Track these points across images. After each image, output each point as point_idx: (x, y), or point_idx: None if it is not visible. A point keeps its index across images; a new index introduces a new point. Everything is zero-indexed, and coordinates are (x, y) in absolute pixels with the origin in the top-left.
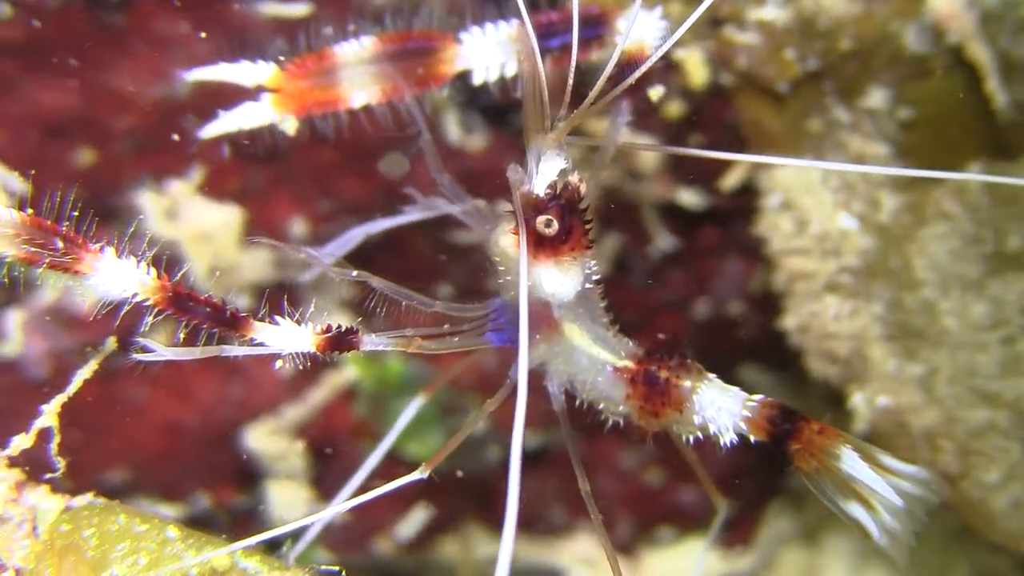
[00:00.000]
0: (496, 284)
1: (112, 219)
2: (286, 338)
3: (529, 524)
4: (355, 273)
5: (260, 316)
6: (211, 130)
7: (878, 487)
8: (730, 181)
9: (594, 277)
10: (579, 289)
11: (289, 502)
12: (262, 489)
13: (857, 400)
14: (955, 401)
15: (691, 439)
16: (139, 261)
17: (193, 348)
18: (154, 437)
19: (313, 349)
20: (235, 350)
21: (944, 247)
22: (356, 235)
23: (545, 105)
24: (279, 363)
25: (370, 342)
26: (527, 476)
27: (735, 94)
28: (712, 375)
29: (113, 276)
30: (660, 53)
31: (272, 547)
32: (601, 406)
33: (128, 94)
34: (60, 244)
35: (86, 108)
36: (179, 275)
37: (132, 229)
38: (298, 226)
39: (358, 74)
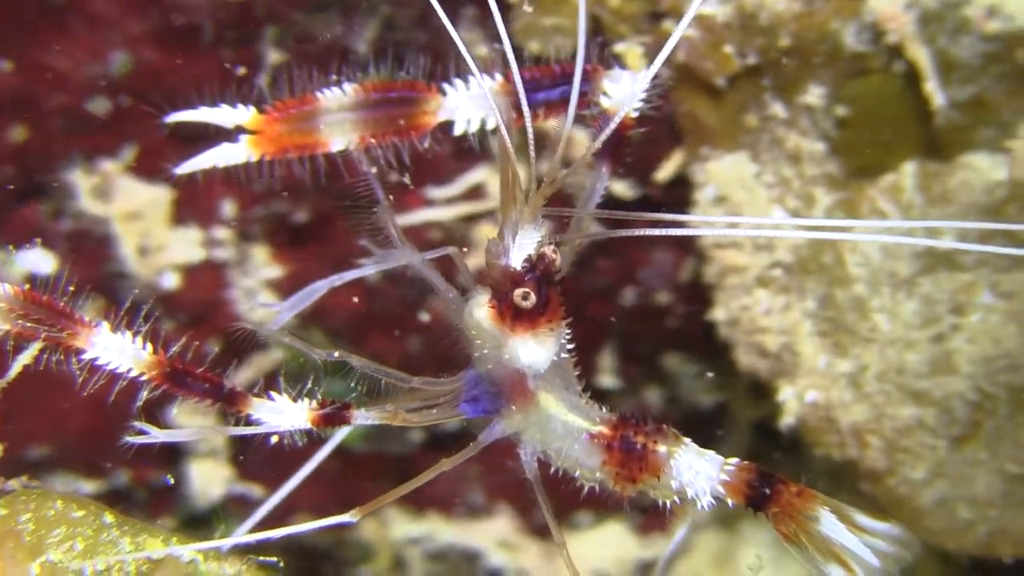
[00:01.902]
0: (469, 355)
1: (42, 196)
2: (283, 415)
3: (448, 506)
4: (336, 354)
5: (256, 391)
6: (187, 167)
7: (856, 548)
8: (664, 173)
9: (568, 346)
10: (554, 359)
11: (209, 480)
12: (182, 466)
13: (786, 394)
14: (884, 398)
15: (668, 504)
16: (135, 335)
17: (187, 429)
18: (77, 413)
19: (309, 425)
20: (229, 431)
21: (876, 245)
22: (320, 287)
23: (519, 178)
24: (274, 439)
25: (360, 416)
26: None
27: (673, 87)
28: (688, 440)
29: (110, 352)
30: (624, 112)
31: (198, 525)
32: (577, 473)
33: (63, 72)
34: (57, 319)
35: (21, 85)
36: (177, 348)
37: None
38: (228, 207)
39: (339, 120)
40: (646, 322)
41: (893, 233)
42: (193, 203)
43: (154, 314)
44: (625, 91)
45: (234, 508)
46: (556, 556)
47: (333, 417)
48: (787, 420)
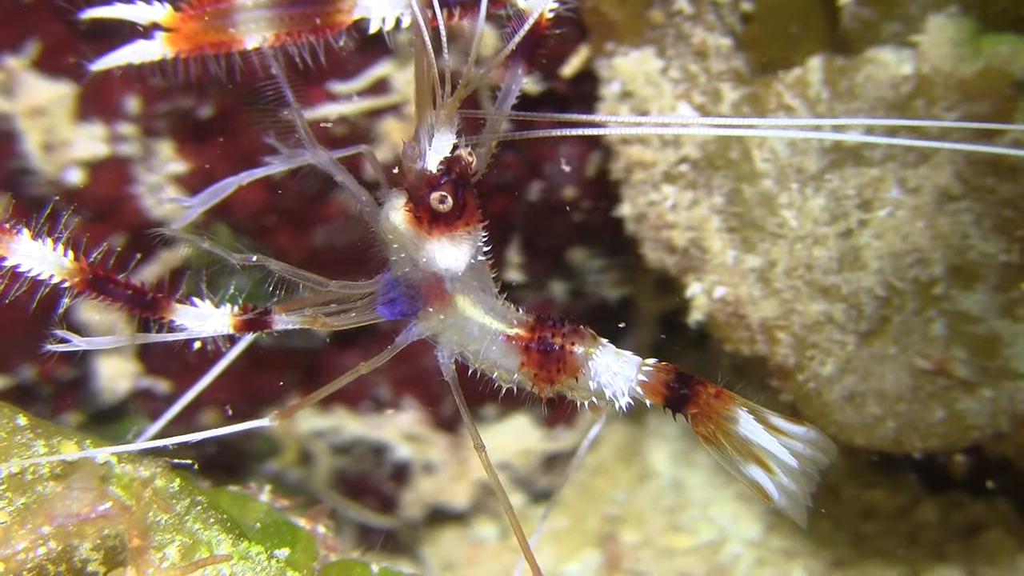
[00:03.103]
0: (384, 257)
1: None
2: (205, 321)
3: (355, 401)
4: (255, 258)
5: (178, 297)
6: (102, 64)
7: (774, 449)
8: (570, 68)
9: (484, 249)
10: (471, 261)
11: (115, 375)
12: (89, 361)
13: (694, 290)
14: (793, 294)
15: (585, 404)
16: (56, 242)
17: (108, 337)
18: None
19: (231, 331)
20: (151, 337)
21: (784, 140)
22: (229, 184)
23: (435, 80)
24: (197, 345)
25: (280, 321)
26: (352, 353)
27: None
28: (605, 340)
29: (31, 259)
30: (538, 12)
31: (105, 420)
32: (495, 375)
33: None
34: None
35: None
36: (98, 254)
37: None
38: (131, 103)
39: (254, 18)
40: (551, 217)
41: (800, 128)
42: (97, 98)
43: (73, 219)
44: None
45: (141, 403)
46: (462, 449)
47: (255, 323)
48: (695, 316)
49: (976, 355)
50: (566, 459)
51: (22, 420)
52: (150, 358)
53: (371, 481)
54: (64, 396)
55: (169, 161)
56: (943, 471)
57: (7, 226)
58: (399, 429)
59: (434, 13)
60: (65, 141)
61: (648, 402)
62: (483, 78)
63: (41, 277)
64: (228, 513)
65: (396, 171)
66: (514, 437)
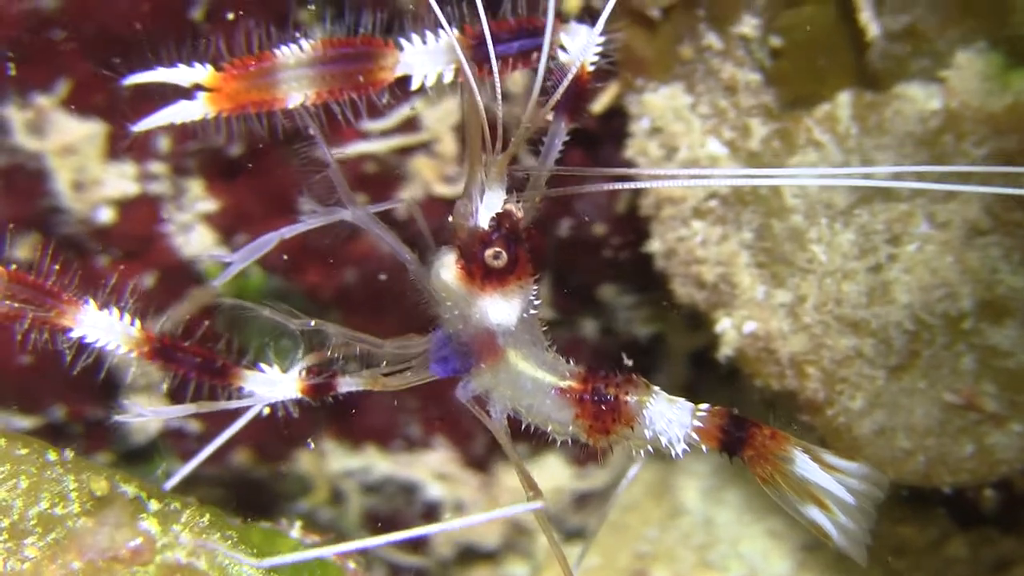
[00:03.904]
0: (437, 317)
1: None
2: (274, 387)
3: (386, 440)
4: (313, 323)
5: (245, 363)
6: (144, 125)
7: (831, 487)
8: (599, 105)
9: (535, 302)
10: (523, 316)
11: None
12: (120, 400)
13: (724, 325)
14: (822, 328)
15: (643, 452)
16: (123, 312)
17: (180, 406)
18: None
19: (299, 395)
20: (219, 405)
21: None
22: (270, 239)
23: (486, 137)
24: (266, 411)
25: (345, 383)
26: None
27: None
28: (657, 388)
29: (98, 329)
30: (578, 66)
31: (135, 460)
32: (549, 428)
33: None
34: (43, 299)
35: None
36: (161, 322)
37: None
38: (162, 141)
39: (297, 76)
40: (581, 253)
41: (830, 167)
42: (123, 131)
43: (140, 287)
44: (581, 44)
45: (172, 442)
46: (493, 487)
47: (321, 387)
48: (725, 351)
49: (1005, 389)
50: (597, 497)
51: (52, 456)
52: (181, 398)
53: (402, 520)
54: (95, 435)
55: (199, 199)
56: (972, 506)
57: (73, 296)
58: (430, 468)
59: (489, 68)
60: (96, 180)
61: (705, 448)
62: (531, 133)
63: (108, 348)
64: (259, 548)
65: (449, 227)
66: (545, 475)
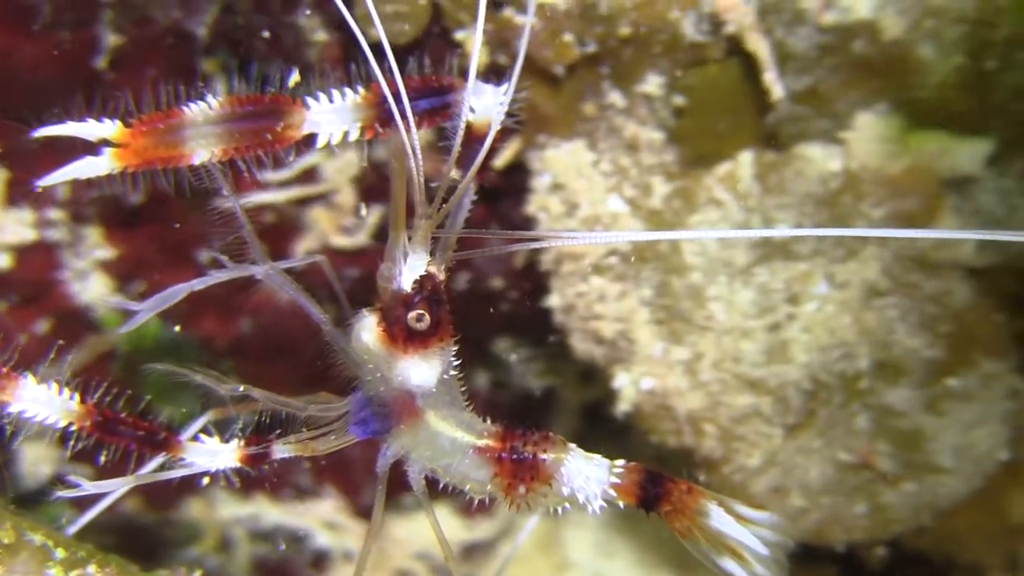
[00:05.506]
0: (354, 379)
1: None
2: (215, 457)
3: (275, 488)
4: (241, 388)
5: (186, 436)
6: (49, 180)
7: (745, 539)
8: (501, 160)
9: (454, 363)
10: (443, 377)
11: (37, 459)
12: (13, 447)
13: (622, 381)
14: (720, 386)
15: (559, 510)
16: (61, 387)
17: (120, 479)
18: None
19: (238, 464)
20: (160, 476)
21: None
22: (179, 291)
23: (414, 202)
24: (206, 481)
25: (279, 451)
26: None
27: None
28: (573, 445)
29: (37, 404)
30: (495, 130)
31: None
32: (467, 487)
33: None
34: None
35: None
36: (100, 392)
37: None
38: (61, 188)
39: (204, 134)
40: (477, 307)
41: (731, 226)
42: (27, 184)
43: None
44: (488, 104)
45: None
46: (381, 537)
47: (259, 456)
48: (623, 407)
49: (900, 449)
50: (485, 548)
51: None
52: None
53: (291, 568)
54: None
55: (96, 247)
56: (862, 563)
57: (11, 371)
58: (319, 517)
59: (394, 126)
60: None
61: (622, 504)
62: (459, 198)
63: (48, 422)
64: None
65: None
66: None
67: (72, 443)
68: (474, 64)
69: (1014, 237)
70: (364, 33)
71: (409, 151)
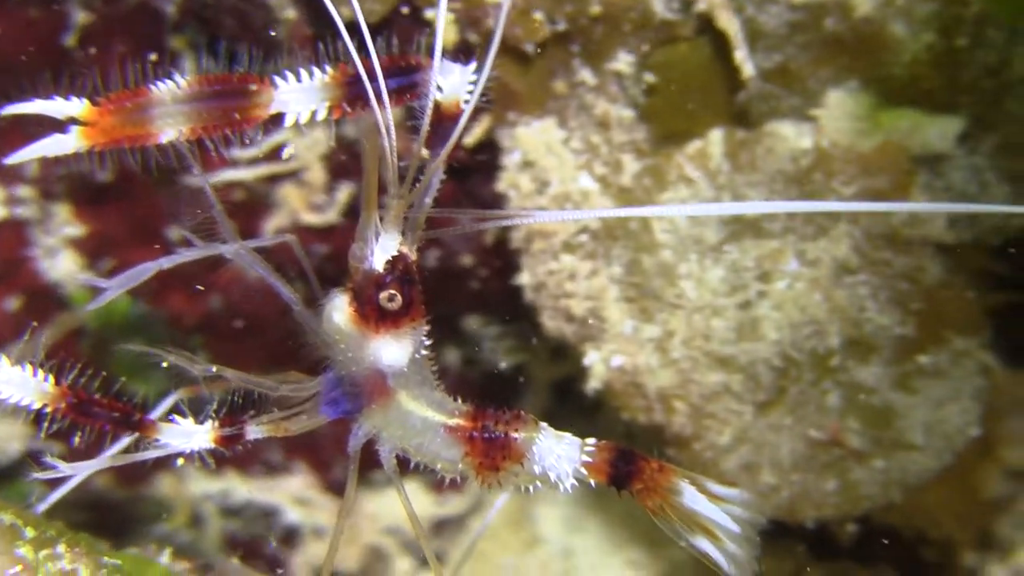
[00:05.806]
0: (325, 358)
1: None
2: (190, 438)
3: (245, 464)
4: (214, 369)
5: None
6: (16, 158)
7: (717, 517)
8: (472, 138)
9: (426, 342)
10: (415, 356)
11: (7, 436)
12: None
13: (592, 358)
14: (690, 363)
15: (531, 488)
16: (36, 368)
17: (96, 460)
18: None
19: (213, 445)
20: (136, 456)
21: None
22: (148, 268)
23: (385, 182)
24: (180, 461)
25: (252, 432)
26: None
27: (482, 54)
28: (544, 424)
29: (12, 385)
30: (468, 111)
31: None
32: (438, 466)
33: None
34: None
35: None
36: (74, 373)
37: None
38: (31, 166)
39: (171, 112)
40: (447, 284)
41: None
42: None
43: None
44: (455, 83)
45: (33, 464)
46: (352, 513)
47: (233, 437)
48: (593, 384)
49: (869, 426)
50: (455, 524)
51: None
52: (42, 420)
53: (260, 543)
54: None
55: (66, 224)
56: (832, 539)
57: None
58: (289, 493)
59: (363, 105)
60: None
61: (593, 483)
62: (427, 181)
63: (23, 403)
64: (130, 575)
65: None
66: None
67: (46, 424)
68: (439, 44)
69: (983, 209)
70: (336, 11)
71: (383, 131)
